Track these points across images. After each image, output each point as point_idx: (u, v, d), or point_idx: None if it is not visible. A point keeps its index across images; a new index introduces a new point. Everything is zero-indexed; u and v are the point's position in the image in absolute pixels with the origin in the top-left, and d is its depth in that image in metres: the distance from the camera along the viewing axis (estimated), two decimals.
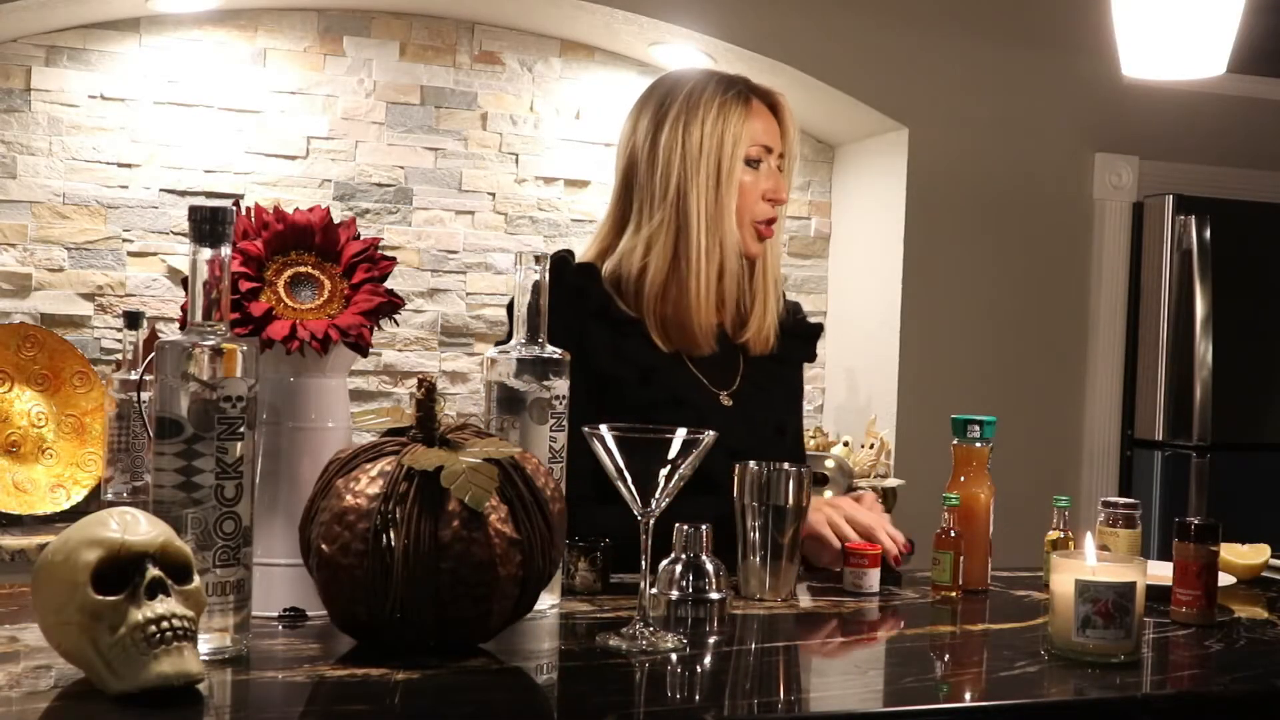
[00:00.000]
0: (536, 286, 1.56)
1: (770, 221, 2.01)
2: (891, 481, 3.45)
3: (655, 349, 1.96)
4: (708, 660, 1.40)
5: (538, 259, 1.57)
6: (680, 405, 1.91)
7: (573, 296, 1.91)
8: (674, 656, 1.36)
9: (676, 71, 2.12)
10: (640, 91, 2.08)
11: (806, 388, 3.47)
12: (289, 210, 1.56)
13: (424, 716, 1.15)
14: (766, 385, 2.04)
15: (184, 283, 1.38)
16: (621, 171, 2.03)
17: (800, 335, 2.13)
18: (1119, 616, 1.41)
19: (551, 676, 1.34)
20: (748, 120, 1.98)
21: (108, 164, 3.27)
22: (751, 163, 1.99)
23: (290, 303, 1.50)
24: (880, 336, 3.67)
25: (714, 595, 1.51)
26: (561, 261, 1.97)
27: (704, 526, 1.53)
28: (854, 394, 3.83)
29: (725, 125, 1.97)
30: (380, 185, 3.49)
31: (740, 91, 2.00)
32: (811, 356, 2.17)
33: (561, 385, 1.56)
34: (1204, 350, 3.68)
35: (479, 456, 1.31)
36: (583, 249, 2.07)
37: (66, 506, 2.87)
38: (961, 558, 1.76)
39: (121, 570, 1.12)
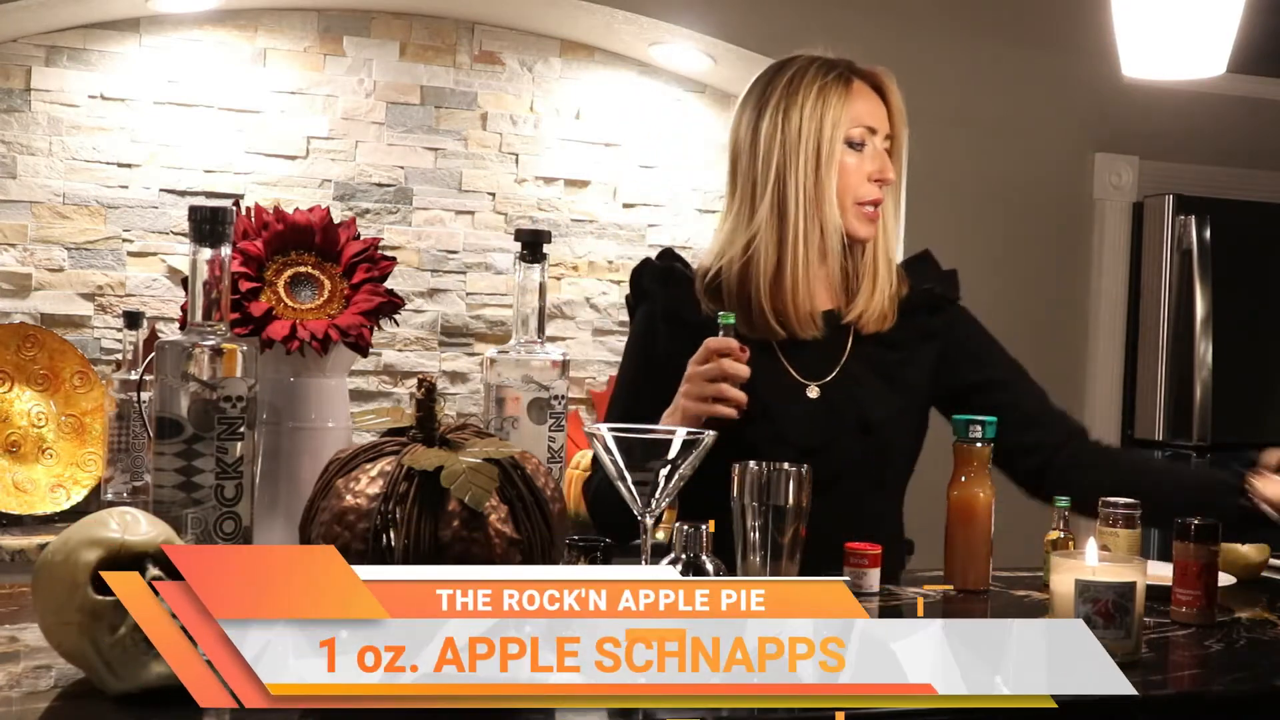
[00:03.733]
0: (536, 285, 1.56)
1: (876, 203, 1.97)
2: None
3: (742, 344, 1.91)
4: None
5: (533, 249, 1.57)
6: (748, 401, 1.85)
7: (645, 300, 1.99)
8: None
9: (780, 60, 2.07)
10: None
11: None
12: (289, 210, 1.56)
13: (425, 716, 1.15)
14: (866, 377, 1.97)
15: (184, 283, 1.38)
16: (729, 164, 2.03)
17: (922, 309, 2.02)
18: (1119, 616, 1.41)
19: None
20: (848, 102, 1.96)
21: (108, 164, 3.27)
22: (854, 144, 1.96)
23: (290, 303, 1.50)
24: None
25: None
26: (645, 263, 2.03)
27: (704, 526, 1.53)
28: None
29: (824, 108, 1.95)
30: (380, 185, 3.49)
31: (841, 74, 1.98)
32: (935, 328, 2.03)
33: (561, 385, 1.56)
34: (1204, 350, 3.68)
35: (479, 456, 1.31)
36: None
37: (66, 506, 2.87)
38: None
39: (121, 570, 1.12)
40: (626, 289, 2.10)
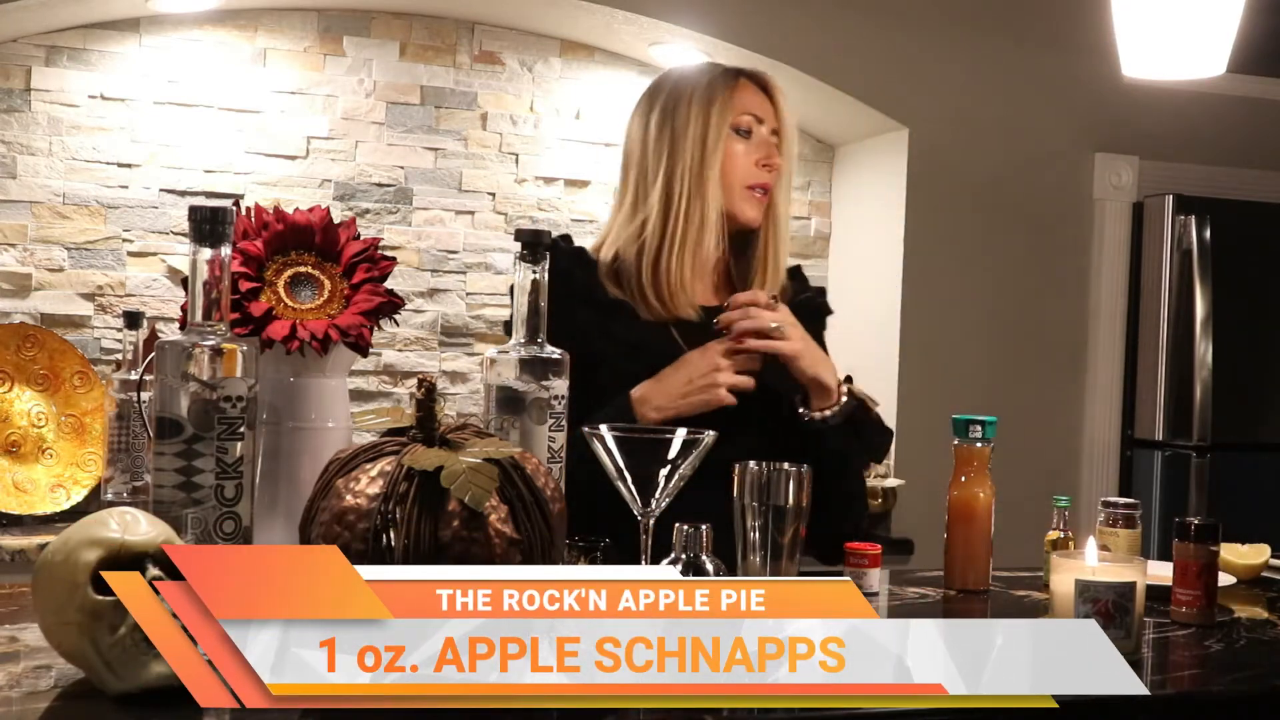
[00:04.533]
0: (536, 285, 1.56)
1: (765, 187, 2.01)
2: (891, 481, 3.45)
3: (644, 326, 1.97)
4: None
5: (533, 249, 1.56)
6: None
7: (561, 280, 1.92)
8: None
9: (674, 68, 2.15)
10: (641, 90, 2.10)
11: None
12: (289, 210, 1.56)
13: (424, 716, 1.15)
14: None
15: (184, 283, 1.38)
16: (622, 161, 2.08)
17: (805, 312, 2.06)
18: (1119, 616, 1.41)
19: None
20: (734, 94, 2.02)
21: (108, 164, 3.27)
22: (741, 131, 2.01)
23: (290, 303, 1.50)
24: (880, 336, 3.67)
25: None
26: (553, 246, 2.00)
27: (704, 526, 1.53)
28: None
29: (711, 96, 2.01)
30: (380, 185, 3.49)
31: (727, 71, 2.05)
32: (817, 334, 2.09)
33: (561, 385, 1.56)
34: (1204, 350, 3.68)
35: (479, 456, 1.31)
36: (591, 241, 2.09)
37: (66, 506, 2.87)
38: None
39: (121, 570, 1.12)
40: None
